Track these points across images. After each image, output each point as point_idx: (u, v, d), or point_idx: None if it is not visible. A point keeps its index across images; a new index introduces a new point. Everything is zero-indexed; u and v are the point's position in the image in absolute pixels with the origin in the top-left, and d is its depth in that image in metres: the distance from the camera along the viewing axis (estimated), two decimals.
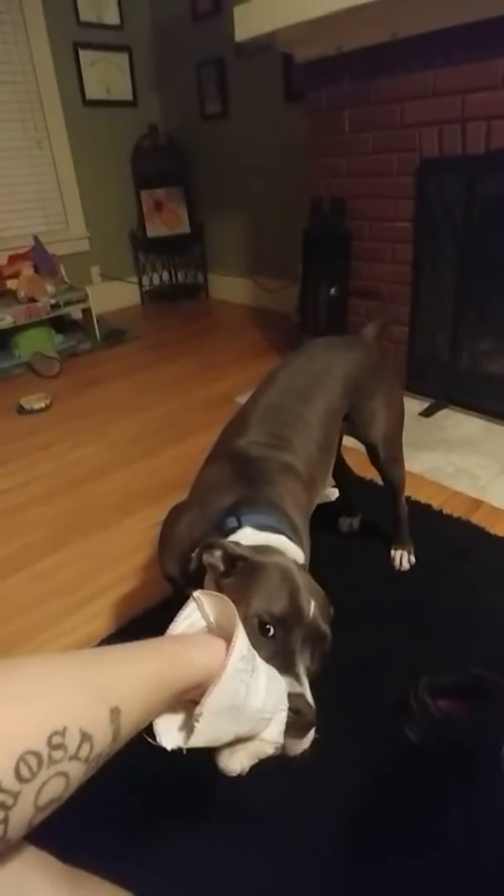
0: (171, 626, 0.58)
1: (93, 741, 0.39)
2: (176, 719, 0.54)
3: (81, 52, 3.35)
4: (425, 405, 2.09)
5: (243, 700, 0.51)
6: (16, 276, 2.94)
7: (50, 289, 2.99)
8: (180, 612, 0.59)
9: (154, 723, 0.51)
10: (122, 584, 1.39)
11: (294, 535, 0.78)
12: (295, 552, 0.74)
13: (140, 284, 4.00)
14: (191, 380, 2.62)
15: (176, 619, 0.59)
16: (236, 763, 0.55)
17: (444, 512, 1.54)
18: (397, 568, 1.36)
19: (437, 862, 0.81)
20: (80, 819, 0.87)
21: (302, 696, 0.58)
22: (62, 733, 0.37)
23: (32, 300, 2.91)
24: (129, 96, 3.63)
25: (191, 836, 0.86)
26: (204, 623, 0.59)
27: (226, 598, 0.58)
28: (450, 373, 2.11)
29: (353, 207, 2.20)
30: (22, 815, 0.35)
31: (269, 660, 0.59)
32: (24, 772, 0.35)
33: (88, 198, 3.59)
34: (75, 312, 3.18)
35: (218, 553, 0.68)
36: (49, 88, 3.28)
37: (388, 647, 1.14)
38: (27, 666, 0.40)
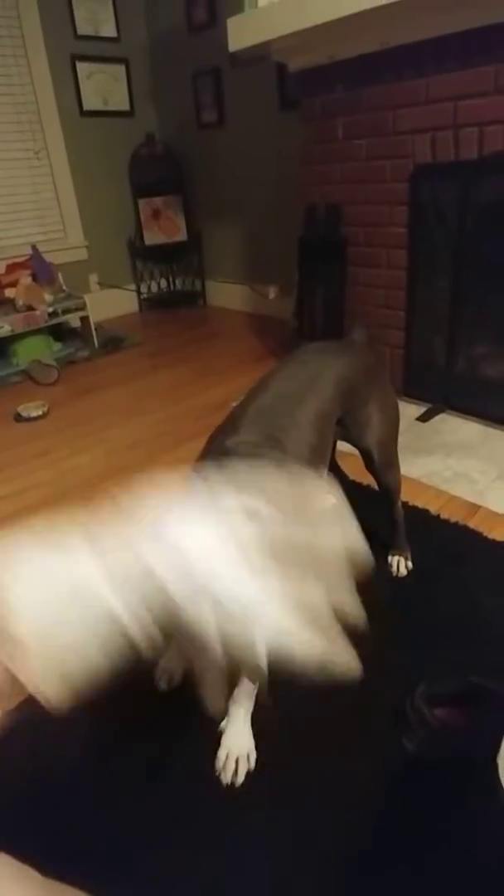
0: None
1: None
2: None
3: (79, 65, 3.39)
4: (422, 410, 2.09)
5: None
6: (14, 284, 2.95)
7: (48, 297, 3.00)
8: None
9: None
10: None
11: None
12: None
13: (138, 292, 4.02)
14: (189, 386, 2.63)
15: None
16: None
17: (442, 516, 1.53)
18: (394, 574, 1.35)
19: (435, 869, 0.80)
20: (62, 829, 0.87)
21: None
22: None
23: (30, 309, 2.92)
24: (126, 107, 3.66)
25: (185, 848, 0.85)
26: None
27: None
28: (446, 377, 2.11)
29: (347, 213, 2.21)
30: None
31: None
32: None
33: (86, 207, 3.61)
34: (73, 320, 3.19)
35: None
36: (47, 100, 3.31)
37: (384, 654, 1.13)
38: None
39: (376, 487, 1.30)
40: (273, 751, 0.97)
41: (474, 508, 1.57)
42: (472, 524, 1.49)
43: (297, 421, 0.99)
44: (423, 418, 2.05)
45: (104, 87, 3.53)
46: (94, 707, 0.36)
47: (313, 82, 2.14)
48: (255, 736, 0.98)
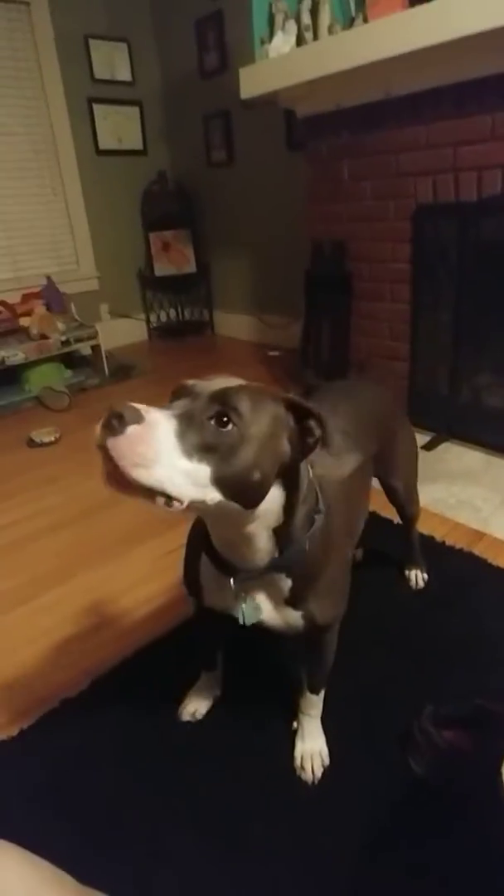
0: None
1: None
2: None
3: (95, 107, 3.56)
4: (426, 439, 2.13)
5: None
6: (29, 313, 3.05)
7: (61, 326, 3.09)
8: None
9: None
10: (129, 616, 1.41)
11: None
12: None
13: (147, 321, 4.12)
14: None
15: None
16: None
17: (447, 543, 1.56)
18: (413, 586, 1.41)
19: (440, 892, 0.81)
20: (92, 841, 0.89)
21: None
22: None
23: (44, 337, 3.01)
24: (139, 146, 3.82)
25: (193, 867, 0.86)
26: None
27: None
28: (449, 407, 2.16)
29: (352, 249, 2.29)
30: None
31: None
32: None
33: (99, 239, 3.74)
34: (85, 348, 3.27)
35: None
36: (64, 139, 3.47)
37: (392, 677, 1.15)
38: None
39: (383, 514, 1.34)
40: (280, 768, 0.99)
41: (479, 535, 1.60)
42: (476, 551, 1.52)
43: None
44: (428, 447, 2.10)
45: (119, 127, 3.70)
46: None
47: (320, 127, 2.25)
48: (260, 754, 1.00)
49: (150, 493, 0.56)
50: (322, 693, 1.00)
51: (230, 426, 0.59)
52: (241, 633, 0.89)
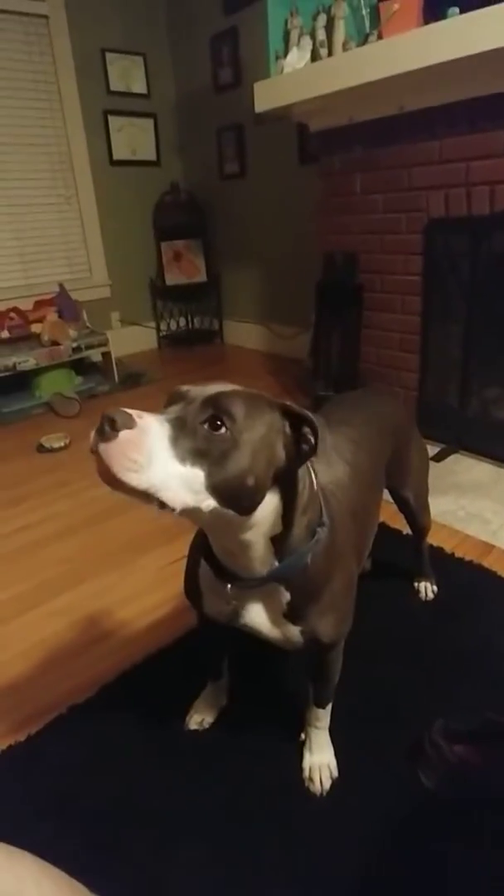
0: None
1: None
2: None
3: (111, 118, 3.62)
4: (435, 450, 2.13)
5: None
6: (41, 320, 3.08)
7: (72, 333, 3.12)
8: None
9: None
10: (137, 622, 1.41)
11: None
12: None
13: (158, 329, 4.15)
14: None
15: None
16: None
17: (457, 555, 1.55)
18: (423, 598, 1.40)
19: None
20: (99, 849, 0.88)
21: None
22: None
23: (55, 343, 3.03)
24: (153, 157, 3.87)
25: (200, 877, 0.86)
26: None
27: None
28: (459, 419, 2.16)
29: (364, 261, 2.31)
30: None
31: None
32: None
33: (111, 248, 3.79)
34: (95, 355, 3.30)
35: None
36: (79, 150, 3.52)
37: (401, 689, 1.14)
38: None
39: (391, 525, 1.34)
40: (288, 780, 0.99)
41: (488, 548, 1.59)
42: (486, 563, 1.51)
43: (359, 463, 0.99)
44: (437, 458, 2.09)
45: (133, 139, 3.76)
46: None
47: (333, 141, 2.28)
48: (268, 765, 0.99)
49: (144, 496, 0.56)
50: (329, 707, 0.99)
51: (223, 430, 0.59)
52: (247, 644, 0.89)
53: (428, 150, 1.94)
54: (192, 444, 0.58)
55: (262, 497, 0.65)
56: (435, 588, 1.42)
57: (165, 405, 0.64)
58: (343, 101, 2.01)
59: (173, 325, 4.23)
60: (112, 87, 3.58)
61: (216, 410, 0.59)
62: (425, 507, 1.31)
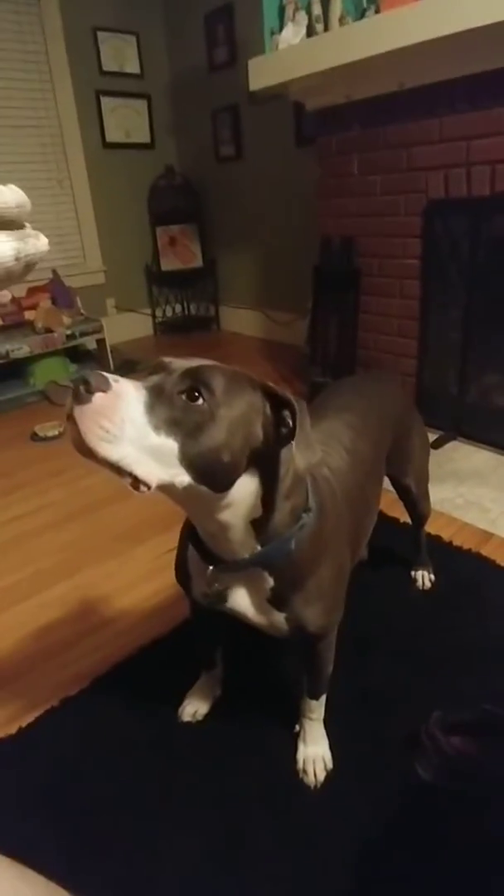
0: None
1: None
2: None
3: (103, 99, 3.53)
4: (434, 437, 2.11)
5: None
6: (34, 307, 3.03)
7: (66, 320, 3.08)
8: None
9: None
10: (132, 613, 1.39)
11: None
12: None
13: (153, 316, 4.10)
14: None
15: None
16: None
17: (455, 544, 1.54)
18: (420, 587, 1.39)
19: None
20: (91, 842, 0.87)
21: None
22: None
23: (49, 331, 2.99)
24: (147, 139, 3.80)
25: (193, 870, 0.85)
26: None
27: None
28: (458, 405, 2.13)
29: (362, 245, 2.26)
30: None
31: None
32: None
33: (106, 233, 3.72)
34: (90, 343, 3.25)
35: None
36: (71, 132, 3.45)
37: (397, 679, 1.13)
38: None
39: (389, 513, 1.32)
40: (282, 772, 0.97)
41: (487, 536, 1.57)
42: (484, 552, 1.50)
43: (360, 452, 0.97)
44: (435, 445, 2.07)
45: (127, 120, 3.68)
46: None
47: (330, 121, 2.22)
48: (262, 756, 0.98)
49: (117, 469, 0.55)
50: (322, 698, 0.97)
51: (200, 402, 0.58)
52: (242, 634, 0.88)
53: (428, 128, 1.89)
54: (168, 413, 0.57)
55: (238, 475, 0.64)
56: (432, 577, 1.40)
57: (147, 375, 0.63)
58: (340, 78, 1.95)
59: (169, 312, 4.18)
60: (105, 68, 3.50)
61: (195, 382, 0.59)
62: (426, 496, 1.30)
